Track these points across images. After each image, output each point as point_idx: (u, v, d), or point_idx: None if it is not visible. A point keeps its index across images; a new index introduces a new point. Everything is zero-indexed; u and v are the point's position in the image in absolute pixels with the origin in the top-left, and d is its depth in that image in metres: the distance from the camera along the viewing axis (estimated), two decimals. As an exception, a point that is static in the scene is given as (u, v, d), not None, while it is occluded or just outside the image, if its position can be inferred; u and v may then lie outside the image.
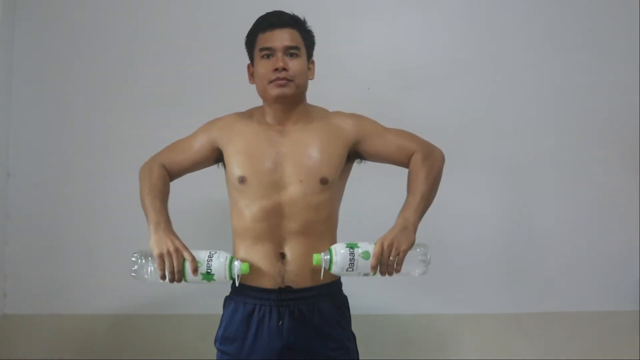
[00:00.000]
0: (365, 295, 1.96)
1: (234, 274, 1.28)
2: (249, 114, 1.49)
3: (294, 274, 1.36)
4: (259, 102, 1.47)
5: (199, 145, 1.47)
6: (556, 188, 2.22)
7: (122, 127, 2.18)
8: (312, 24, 1.46)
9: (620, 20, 2.25)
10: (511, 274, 2.20)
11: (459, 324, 2.18)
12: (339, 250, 1.27)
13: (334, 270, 1.27)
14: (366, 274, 1.28)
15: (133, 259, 1.33)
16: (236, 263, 1.29)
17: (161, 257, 1.27)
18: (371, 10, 2.24)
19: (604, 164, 2.22)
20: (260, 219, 1.37)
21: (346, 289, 1.47)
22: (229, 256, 1.30)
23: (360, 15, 2.24)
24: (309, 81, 1.45)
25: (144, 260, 1.32)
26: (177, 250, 1.27)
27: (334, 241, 1.44)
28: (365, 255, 1.26)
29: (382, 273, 1.27)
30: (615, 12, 2.25)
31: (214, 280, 1.28)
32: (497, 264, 2.20)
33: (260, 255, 1.37)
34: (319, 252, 1.30)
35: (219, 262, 1.27)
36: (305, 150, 1.39)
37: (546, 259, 2.20)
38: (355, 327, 1.46)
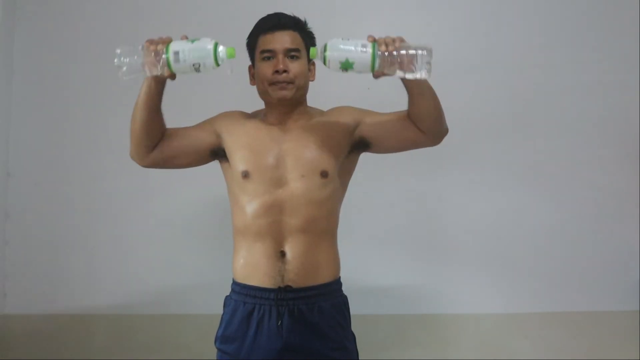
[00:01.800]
0: (365, 295, 1.97)
1: (219, 58, 1.22)
2: (253, 114, 1.50)
3: (294, 273, 1.36)
4: (259, 103, 1.47)
5: (200, 130, 1.46)
6: (556, 188, 2.22)
7: (122, 127, 2.17)
8: (312, 25, 1.47)
9: (620, 20, 2.25)
10: (511, 274, 2.20)
11: (459, 324, 2.18)
12: (333, 38, 1.21)
13: (330, 48, 1.19)
14: (364, 46, 1.20)
15: (115, 61, 1.28)
16: (221, 46, 1.23)
17: (151, 40, 1.25)
18: (371, 10, 2.24)
19: (604, 164, 2.22)
20: (261, 215, 1.38)
21: (346, 289, 1.47)
22: (215, 41, 1.24)
23: (361, 15, 2.24)
24: (310, 82, 1.46)
25: (126, 59, 1.28)
26: (167, 37, 1.25)
27: (334, 240, 1.44)
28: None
29: (380, 42, 1.20)
30: (615, 12, 2.25)
31: (198, 41, 1.22)
32: (497, 264, 2.20)
33: (260, 254, 1.37)
34: (319, 252, 1.30)
35: (204, 40, 1.23)
36: (306, 145, 1.40)
37: (546, 259, 2.20)
38: (355, 327, 1.46)
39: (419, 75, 1.23)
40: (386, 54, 1.20)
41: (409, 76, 1.23)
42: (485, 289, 2.19)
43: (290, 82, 1.38)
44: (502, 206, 2.21)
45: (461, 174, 2.17)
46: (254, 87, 1.46)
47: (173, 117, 2.09)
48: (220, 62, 1.22)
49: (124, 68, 1.26)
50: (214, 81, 2.16)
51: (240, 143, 1.42)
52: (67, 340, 2.15)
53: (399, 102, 2.17)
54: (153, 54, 1.22)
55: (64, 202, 2.18)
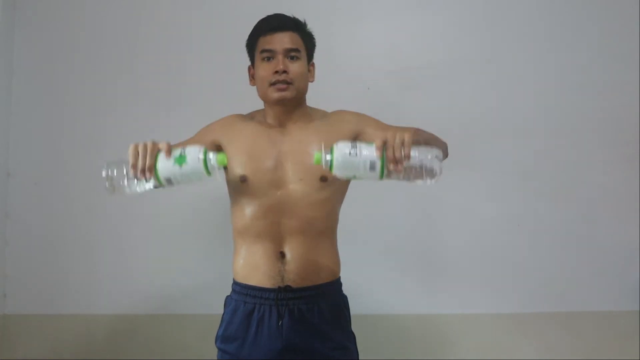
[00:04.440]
0: (365, 295, 1.97)
1: (210, 165, 1.17)
2: (250, 116, 1.49)
3: (294, 274, 1.36)
4: (259, 103, 1.47)
5: (201, 142, 1.46)
6: (556, 188, 2.22)
7: (122, 127, 2.18)
8: (312, 26, 1.47)
9: (620, 20, 2.25)
10: (511, 274, 2.20)
11: (459, 324, 2.18)
12: (340, 144, 1.15)
13: (336, 157, 1.13)
14: (372, 167, 1.12)
15: (103, 173, 1.21)
16: (211, 154, 1.18)
17: (135, 149, 1.18)
18: (371, 11, 2.24)
19: (604, 163, 2.22)
20: (260, 216, 1.38)
21: (346, 289, 1.47)
22: (204, 148, 1.20)
23: (361, 16, 2.24)
24: (309, 83, 1.46)
25: (113, 171, 1.21)
26: (152, 143, 1.19)
27: (333, 241, 1.44)
28: (369, 144, 1.15)
29: (390, 158, 1.12)
30: (615, 12, 2.25)
31: (186, 163, 1.16)
32: (497, 264, 2.20)
33: (260, 255, 1.38)
34: (318, 252, 1.30)
35: (193, 149, 1.18)
36: (306, 149, 1.39)
37: (546, 259, 2.20)
38: (355, 327, 1.46)
39: (427, 182, 1.15)
40: (394, 170, 1.13)
41: (416, 183, 1.15)
42: (485, 289, 2.19)
43: (290, 82, 1.38)
44: (502, 206, 2.21)
45: (461, 174, 2.16)
46: (254, 88, 1.46)
47: (173, 117, 2.10)
48: (212, 172, 1.18)
49: (109, 184, 1.21)
50: (215, 82, 2.17)
51: (239, 149, 1.42)
52: (67, 340, 2.15)
53: (399, 101, 2.19)
54: (141, 178, 1.18)
55: (64, 202, 2.18)
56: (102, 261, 2.17)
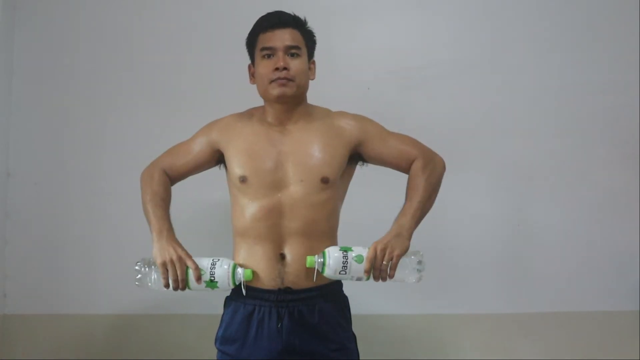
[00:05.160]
0: (365, 296, 1.97)
1: (237, 280, 1.30)
2: (248, 114, 1.48)
3: (294, 275, 1.36)
4: (259, 102, 1.47)
5: (199, 148, 1.47)
6: (556, 188, 2.22)
7: (122, 127, 2.18)
8: (312, 26, 1.46)
9: (620, 20, 2.25)
10: (511, 274, 2.20)
11: (459, 324, 2.18)
12: (333, 254, 1.28)
13: (327, 273, 1.28)
14: (359, 279, 1.29)
15: (136, 267, 1.34)
16: (239, 270, 1.30)
17: (164, 265, 1.29)
18: (371, 10, 2.24)
19: (604, 163, 2.22)
20: (260, 218, 1.37)
21: (347, 290, 1.47)
22: (232, 263, 1.31)
23: (361, 15, 2.24)
24: (310, 81, 1.45)
25: (147, 269, 1.33)
26: (180, 258, 1.29)
27: (334, 242, 1.43)
28: (359, 259, 1.28)
29: (375, 278, 1.29)
30: (615, 12, 2.25)
31: (217, 287, 1.30)
32: (497, 264, 2.20)
33: (260, 256, 1.37)
34: (318, 253, 1.30)
35: (222, 270, 1.29)
36: (307, 150, 1.39)
37: (546, 259, 2.20)
38: (355, 328, 1.46)
39: (409, 281, 1.34)
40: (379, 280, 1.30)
41: (399, 280, 1.32)
42: (485, 289, 2.19)
43: (291, 79, 1.37)
44: (502, 206, 2.21)
45: (460, 173, 2.16)
46: (254, 87, 1.45)
47: (173, 117, 2.10)
48: (236, 283, 1.31)
49: (141, 280, 1.34)
50: (215, 81, 2.17)
51: (238, 149, 1.42)
52: (67, 340, 2.15)
53: (399, 101, 2.19)
54: (171, 279, 1.30)
55: (64, 202, 2.18)
56: (102, 261, 2.17)
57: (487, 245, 2.19)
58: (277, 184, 1.38)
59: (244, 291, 1.31)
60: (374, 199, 2.07)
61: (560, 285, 2.20)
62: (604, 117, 2.23)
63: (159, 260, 1.30)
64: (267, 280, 1.36)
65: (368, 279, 1.29)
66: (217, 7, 2.21)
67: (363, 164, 1.49)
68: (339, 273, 1.28)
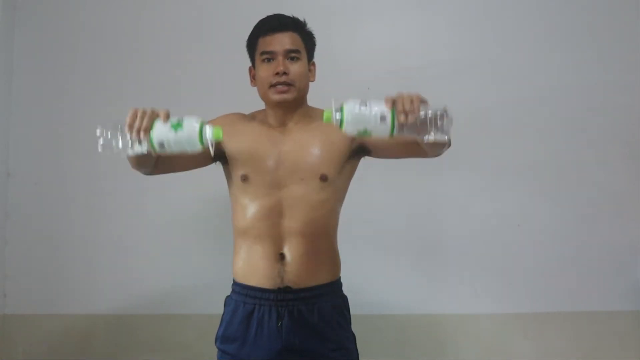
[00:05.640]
0: (365, 295, 1.97)
1: (206, 137, 1.17)
2: (251, 116, 1.49)
3: (294, 275, 1.36)
4: (259, 103, 1.47)
5: None
6: (556, 188, 2.22)
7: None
8: (312, 26, 1.47)
9: (620, 20, 2.25)
10: (511, 274, 2.20)
11: (459, 324, 2.18)
12: (350, 100, 1.13)
13: (347, 112, 1.11)
14: (383, 119, 1.11)
15: (97, 131, 1.20)
16: (207, 126, 1.18)
17: (135, 110, 1.19)
18: (371, 10, 2.24)
19: (604, 163, 2.22)
20: (261, 217, 1.38)
21: (346, 289, 1.47)
22: (201, 120, 1.20)
23: (361, 15, 2.24)
24: (310, 82, 1.45)
25: (108, 133, 1.20)
26: (152, 111, 1.20)
27: (334, 241, 1.44)
28: (379, 100, 1.13)
29: (400, 110, 1.11)
30: (615, 12, 2.25)
31: (182, 130, 1.17)
32: (497, 264, 2.20)
33: (260, 256, 1.38)
34: (319, 253, 1.30)
35: (190, 118, 1.19)
36: (306, 149, 1.40)
37: (546, 259, 2.20)
38: (355, 327, 1.46)
39: (439, 138, 1.15)
40: (404, 121, 1.12)
41: (428, 139, 1.15)
42: (485, 289, 2.19)
43: (291, 84, 1.38)
44: (502, 206, 2.21)
45: (461, 173, 2.17)
46: (254, 88, 1.46)
47: (174, 116, 2.08)
48: (205, 144, 1.18)
49: (103, 142, 1.20)
50: (215, 82, 2.17)
51: (240, 147, 1.42)
52: (67, 340, 2.15)
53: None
54: (135, 139, 1.18)
55: (64, 202, 2.18)
56: (102, 261, 2.17)
57: (487, 245, 2.19)
58: (277, 183, 1.38)
59: (211, 150, 1.18)
60: (374, 199, 2.08)
61: (560, 285, 2.20)
62: (604, 117, 2.23)
63: (130, 109, 1.20)
64: (267, 279, 1.36)
65: (392, 122, 1.11)
66: (217, 7, 2.21)
67: (367, 154, 1.45)
68: (359, 109, 1.11)
